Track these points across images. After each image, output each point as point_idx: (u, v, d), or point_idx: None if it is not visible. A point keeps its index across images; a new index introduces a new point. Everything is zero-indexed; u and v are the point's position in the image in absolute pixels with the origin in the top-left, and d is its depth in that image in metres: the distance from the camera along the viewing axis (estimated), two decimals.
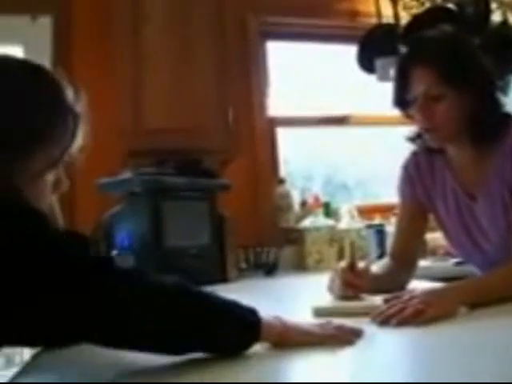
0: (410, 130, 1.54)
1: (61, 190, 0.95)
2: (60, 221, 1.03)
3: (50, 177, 0.92)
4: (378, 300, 1.33)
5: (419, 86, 1.38)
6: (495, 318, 1.09)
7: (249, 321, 0.86)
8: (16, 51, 2.38)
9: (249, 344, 0.86)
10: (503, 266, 1.30)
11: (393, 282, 1.55)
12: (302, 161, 3.10)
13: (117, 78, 2.25)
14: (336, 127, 3.06)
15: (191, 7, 2.32)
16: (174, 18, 2.31)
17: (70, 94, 0.91)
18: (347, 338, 0.94)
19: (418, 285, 1.59)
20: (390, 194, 3.04)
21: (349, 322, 1.02)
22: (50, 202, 0.95)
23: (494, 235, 1.42)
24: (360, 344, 0.94)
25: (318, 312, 1.24)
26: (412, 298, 1.13)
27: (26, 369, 0.96)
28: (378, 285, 1.50)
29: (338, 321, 1.01)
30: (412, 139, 1.56)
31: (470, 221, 1.47)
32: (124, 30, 2.28)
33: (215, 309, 0.84)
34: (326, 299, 1.38)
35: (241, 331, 0.85)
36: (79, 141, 0.93)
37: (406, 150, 1.63)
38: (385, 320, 1.08)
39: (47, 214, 0.86)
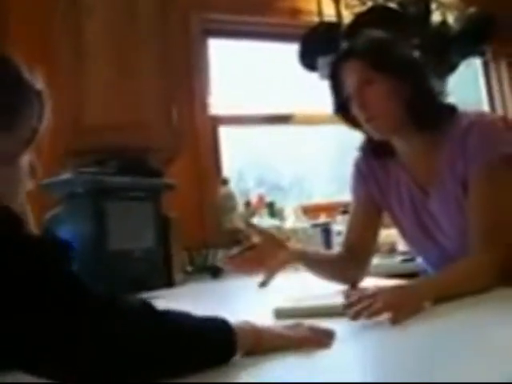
0: (360, 140, 1.56)
1: (37, 176, 0.89)
2: (30, 219, 0.97)
3: (24, 162, 0.86)
4: (339, 299, 1.31)
5: (350, 80, 1.40)
6: (459, 312, 1.08)
7: (224, 336, 0.82)
8: None
9: (228, 358, 0.82)
10: (464, 260, 1.29)
11: (344, 272, 1.55)
12: (235, 161, 3.04)
13: (55, 73, 2.13)
14: (275, 127, 3.04)
15: (134, 2, 2.25)
16: (116, 13, 2.24)
17: (27, 72, 0.86)
18: (322, 340, 0.90)
19: (369, 282, 1.59)
20: (326, 193, 3.11)
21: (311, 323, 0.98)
22: (28, 189, 0.88)
23: (450, 231, 1.42)
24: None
25: (279, 313, 1.20)
26: (377, 294, 1.10)
27: None
28: (328, 268, 1.55)
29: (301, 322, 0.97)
30: (362, 148, 1.57)
31: (425, 217, 1.47)
32: (65, 23, 2.18)
33: (193, 331, 0.79)
34: (286, 300, 1.34)
35: (219, 348, 0.81)
36: (46, 120, 0.88)
37: (344, 148, 1.64)
38: (356, 315, 1.04)
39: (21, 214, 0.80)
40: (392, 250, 2.59)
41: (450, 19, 2.69)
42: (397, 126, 1.41)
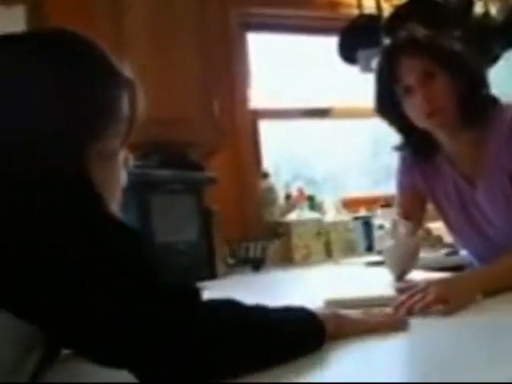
0: (397, 139, 1.56)
1: (129, 167, 0.90)
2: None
3: (120, 156, 0.86)
4: (388, 290, 1.31)
5: (412, 72, 1.39)
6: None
7: (314, 323, 0.84)
8: None
9: (320, 345, 0.84)
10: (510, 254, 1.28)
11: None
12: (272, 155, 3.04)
13: None
14: (318, 119, 3.03)
15: None
16: (155, 8, 2.25)
17: (117, 62, 0.85)
18: (397, 324, 0.93)
19: (415, 275, 1.59)
20: (360, 187, 3.09)
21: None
22: (124, 183, 0.88)
23: (498, 221, 1.41)
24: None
25: (330, 304, 1.21)
26: (429, 287, 1.11)
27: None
28: None
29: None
30: (398, 148, 1.56)
31: (472, 209, 1.47)
32: (104, 20, 2.20)
33: (284, 322, 0.81)
34: (335, 292, 1.34)
35: (311, 335, 0.83)
36: (139, 112, 0.88)
37: (379, 143, 1.63)
38: (409, 309, 1.05)
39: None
40: (440, 243, 2.56)
41: (493, 10, 2.65)
42: (452, 121, 1.40)
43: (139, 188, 1.97)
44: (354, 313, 0.96)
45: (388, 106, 1.47)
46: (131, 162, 0.91)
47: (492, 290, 1.14)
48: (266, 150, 2.89)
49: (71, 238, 0.67)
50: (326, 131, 3.11)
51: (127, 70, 0.86)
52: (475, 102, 1.39)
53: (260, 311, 0.80)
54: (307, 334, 0.83)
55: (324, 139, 3.11)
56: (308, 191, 2.76)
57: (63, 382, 0.74)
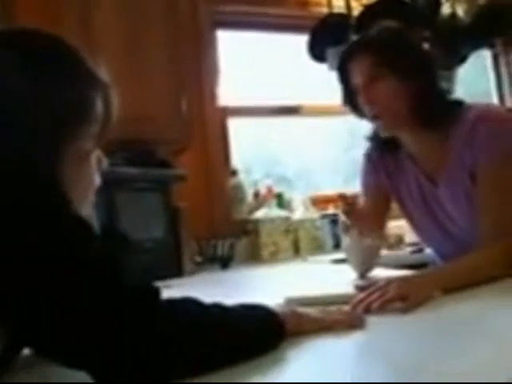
0: (369, 129, 1.57)
1: (102, 168, 0.90)
2: (91, 215, 0.96)
3: (94, 157, 0.86)
4: (350, 288, 1.32)
5: (359, 73, 1.42)
6: (468, 302, 1.08)
7: (272, 321, 0.85)
8: None
9: (278, 341, 0.85)
10: (473, 251, 1.30)
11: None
12: (242, 152, 3.04)
13: None
14: (283, 119, 3.04)
15: None
16: (124, 5, 2.24)
17: (93, 64, 0.86)
18: (353, 322, 0.94)
19: (380, 273, 1.60)
20: (332, 185, 3.11)
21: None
22: (97, 184, 0.89)
23: (460, 220, 1.43)
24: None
25: (290, 302, 1.21)
26: (389, 284, 1.12)
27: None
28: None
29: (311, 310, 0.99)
30: (370, 138, 1.57)
31: (435, 206, 1.49)
32: (73, 18, 2.18)
33: (243, 320, 0.81)
34: (299, 289, 1.35)
35: (269, 333, 0.84)
36: (113, 113, 0.88)
37: (350, 140, 1.65)
38: (367, 307, 1.06)
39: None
40: (400, 242, 2.60)
41: (460, 11, 2.68)
42: (402, 124, 1.42)
43: (106, 186, 1.94)
44: (311, 311, 0.97)
45: (350, 101, 1.49)
46: (105, 163, 0.91)
47: (452, 288, 1.16)
48: (237, 147, 2.89)
49: (31, 235, 0.67)
50: (297, 128, 3.12)
51: (102, 73, 0.87)
52: (430, 104, 1.39)
53: (219, 309, 0.80)
54: (266, 331, 0.83)
55: (295, 136, 3.12)
56: (279, 188, 2.77)
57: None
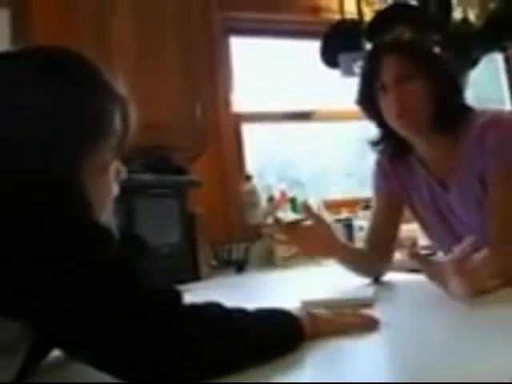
0: (373, 134, 1.59)
1: (120, 179, 0.94)
2: (112, 222, 0.99)
3: (112, 168, 0.90)
4: (365, 293, 1.35)
5: (390, 71, 1.44)
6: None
7: (293, 325, 0.89)
8: None
9: (298, 344, 0.88)
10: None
11: (366, 266, 1.60)
12: (256, 157, 3.07)
13: None
14: (297, 124, 3.07)
15: (156, 2, 2.28)
16: (139, 12, 2.28)
17: (111, 78, 0.89)
18: (368, 323, 0.97)
19: (392, 276, 1.63)
20: (345, 189, 3.14)
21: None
22: (115, 194, 0.93)
23: (470, 224, 1.45)
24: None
25: (306, 306, 1.24)
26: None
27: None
28: (354, 260, 1.57)
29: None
30: (374, 143, 1.60)
31: (445, 211, 1.51)
32: (87, 25, 2.22)
33: (264, 323, 0.85)
34: (314, 293, 1.38)
35: (290, 336, 0.87)
36: (132, 127, 0.92)
37: (363, 145, 1.66)
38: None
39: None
40: (414, 245, 2.60)
41: (472, 16, 2.70)
42: (423, 125, 1.44)
43: (123, 192, 1.99)
44: (327, 313, 1.00)
45: (367, 100, 1.52)
46: (123, 173, 0.95)
47: None
48: (251, 152, 2.93)
49: (54, 239, 0.70)
50: (312, 133, 3.14)
51: (120, 87, 0.90)
52: (450, 109, 1.43)
53: (241, 314, 0.83)
54: (286, 335, 0.86)
55: (309, 141, 3.15)
56: (293, 193, 2.80)
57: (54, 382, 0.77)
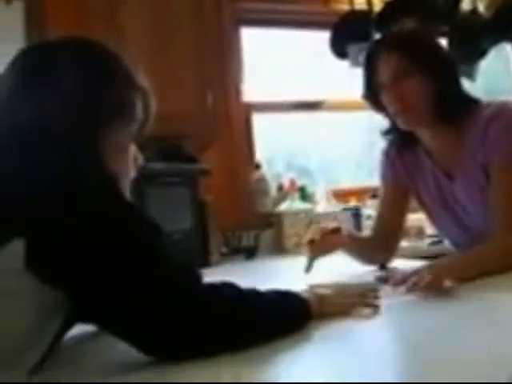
0: (384, 124, 1.62)
1: (138, 164, 1.03)
2: None
3: (131, 152, 0.99)
4: (369, 278, 1.40)
5: (387, 69, 1.47)
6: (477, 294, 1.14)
7: (301, 305, 0.95)
8: None
9: (305, 322, 0.95)
10: (487, 242, 1.37)
11: (374, 254, 1.64)
12: (265, 146, 3.11)
13: None
14: (310, 112, 3.10)
15: None
16: (151, 3, 2.31)
17: (135, 71, 0.98)
18: (369, 303, 1.04)
19: (398, 263, 1.67)
20: (354, 178, 3.17)
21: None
22: (132, 176, 1.01)
23: (475, 213, 1.49)
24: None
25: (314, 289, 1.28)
26: (419, 272, 1.19)
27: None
28: (361, 251, 1.63)
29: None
30: (385, 133, 1.63)
31: (451, 200, 1.55)
32: (100, 12, 2.26)
33: (276, 302, 0.91)
34: (321, 278, 1.43)
35: (298, 315, 0.94)
36: (151, 117, 1.00)
37: (372, 134, 1.69)
38: (410, 287, 1.13)
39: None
40: (420, 233, 2.65)
41: (481, 7, 2.71)
42: (424, 120, 1.48)
43: (135, 180, 2.04)
44: (331, 293, 1.06)
45: (371, 95, 1.55)
46: (141, 159, 1.04)
47: (464, 278, 1.22)
48: (261, 140, 2.97)
49: (97, 221, 0.77)
50: (321, 123, 3.18)
51: (145, 82, 0.99)
52: (450, 102, 1.45)
53: (254, 294, 0.89)
54: (295, 315, 0.93)
55: (319, 130, 3.18)
56: (302, 181, 2.84)
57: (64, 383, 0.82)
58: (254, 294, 0.89)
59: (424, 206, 1.66)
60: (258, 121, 2.98)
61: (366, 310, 1.02)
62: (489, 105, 1.47)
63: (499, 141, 1.39)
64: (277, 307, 0.90)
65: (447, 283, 1.14)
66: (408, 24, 1.59)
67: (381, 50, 1.49)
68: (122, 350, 0.83)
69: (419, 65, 1.44)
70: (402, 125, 1.51)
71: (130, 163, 0.99)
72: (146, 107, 0.99)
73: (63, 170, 0.78)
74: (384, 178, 1.70)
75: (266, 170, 2.80)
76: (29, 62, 0.93)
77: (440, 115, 1.46)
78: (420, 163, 1.60)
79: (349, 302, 1.04)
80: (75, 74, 0.90)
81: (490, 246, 1.35)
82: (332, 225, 1.59)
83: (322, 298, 1.01)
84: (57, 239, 0.75)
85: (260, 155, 2.93)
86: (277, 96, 3.02)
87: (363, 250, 1.65)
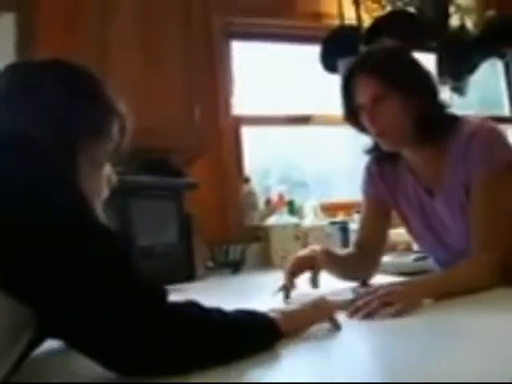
0: (366, 143, 1.63)
1: (111, 184, 1.06)
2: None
3: (105, 171, 1.02)
4: (348, 295, 1.39)
5: (364, 93, 1.46)
6: (457, 309, 1.14)
7: (268, 326, 0.94)
8: None
9: (274, 342, 0.94)
10: (464, 261, 1.36)
11: (355, 270, 1.63)
12: (259, 158, 3.11)
13: None
14: (299, 126, 3.10)
15: (158, 6, 2.33)
16: (140, 16, 2.31)
17: (116, 100, 1.04)
18: (331, 315, 1.05)
19: (381, 279, 1.66)
20: (349, 193, 3.16)
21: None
22: (104, 196, 1.03)
23: (455, 231, 1.49)
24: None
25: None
26: (377, 291, 1.18)
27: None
28: (341, 268, 1.62)
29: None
30: (368, 151, 1.63)
31: (432, 218, 1.54)
32: (90, 28, 2.26)
33: (242, 323, 0.90)
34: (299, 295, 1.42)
35: (266, 336, 0.93)
36: (126, 139, 1.06)
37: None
38: (353, 312, 1.13)
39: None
40: (408, 249, 2.64)
41: (469, 23, 2.73)
42: (405, 140, 1.47)
43: (119, 193, 2.04)
44: (295, 309, 1.07)
45: (351, 116, 1.55)
46: (114, 180, 1.07)
47: (443, 296, 1.22)
48: (253, 153, 2.97)
49: (62, 234, 0.77)
50: (315, 135, 3.17)
51: (122, 106, 1.05)
52: (430, 122, 1.45)
53: (219, 313, 0.88)
54: (263, 332, 0.92)
55: (312, 143, 3.18)
56: (296, 194, 2.84)
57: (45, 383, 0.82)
58: (218, 313, 0.88)
59: (406, 222, 1.66)
60: (253, 131, 2.99)
61: (327, 325, 1.03)
62: (468, 121, 1.47)
63: (480, 157, 1.39)
64: (243, 326, 0.89)
65: (425, 301, 1.13)
66: (387, 43, 1.57)
67: (358, 72, 1.47)
68: (87, 366, 0.82)
69: (398, 86, 1.43)
70: (383, 146, 1.51)
71: (102, 181, 1.02)
72: (123, 130, 1.04)
73: (26, 171, 0.80)
74: (365, 193, 1.70)
75: (257, 183, 2.80)
76: (17, 78, 0.96)
77: (421, 135, 1.46)
78: (402, 179, 1.60)
79: (313, 317, 1.04)
80: (59, 94, 0.94)
81: (466, 264, 1.35)
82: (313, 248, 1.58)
83: (288, 316, 1.00)
84: (17, 245, 0.75)
85: (255, 168, 2.92)
86: (266, 110, 3.02)
87: (344, 266, 1.64)
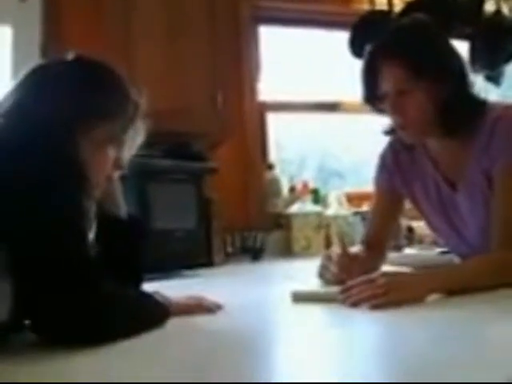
0: (385, 123, 1.53)
1: (120, 169, 1.12)
2: (122, 206, 1.19)
3: (111, 153, 1.07)
4: None
5: (389, 82, 1.37)
6: (465, 306, 1.09)
7: (163, 307, 1.05)
8: (5, 32, 2.37)
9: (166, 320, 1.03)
10: (478, 256, 1.31)
11: (362, 267, 1.57)
12: (295, 147, 3.09)
13: (106, 58, 2.23)
14: (327, 114, 3.05)
15: None
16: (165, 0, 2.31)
17: (130, 86, 1.09)
18: (210, 307, 1.14)
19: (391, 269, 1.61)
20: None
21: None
22: (108, 174, 1.09)
23: (473, 225, 1.43)
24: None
25: (297, 297, 1.25)
26: (373, 280, 1.14)
27: None
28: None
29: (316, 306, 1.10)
30: (388, 132, 1.56)
31: (451, 210, 1.48)
32: (115, 11, 2.26)
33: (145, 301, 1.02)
34: (309, 284, 1.39)
35: (161, 315, 1.03)
36: (139, 134, 1.11)
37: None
38: (345, 300, 1.11)
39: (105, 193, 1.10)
40: (434, 242, 2.58)
41: (505, 8, 2.63)
42: (428, 132, 1.41)
43: (140, 176, 2.04)
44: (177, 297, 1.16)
45: (372, 99, 1.47)
46: (122, 163, 1.11)
47: (452, 291, 1.16)
48: (290, 141, 2.94)
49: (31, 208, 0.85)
50: (349, 124, 3.13)
51: (138, 95, 1.10)
52: (457, 111, 1.37)
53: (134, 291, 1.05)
54: (159, 312, 1.03)
55: (347, 132, 3.14)
56: (332, 183, 2.81)
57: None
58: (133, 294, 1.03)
59: (423, 213, 1.60)
60: (287, 119, 2.97)
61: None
62: (493, 108, 1.40)
63: (504, 147, 1.33)
64: (148, 305, 1.01)
65: (432, 296, 1.09)
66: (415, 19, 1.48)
67: (382, 56, 1.38)
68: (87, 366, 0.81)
69: (425, 75, 1.34)
70: (405, 138, 1.45)
71: (105, 161, 1.07)
72: (133, 118, 1.09)
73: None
74: (377, 182, 1.64)
75: (281, 171, 2.77)
76: (37, 79, 1.04)
77: (446, 125, 1.38)
78: (419, 167, 1.53)
79: (191, 306, 1.13)
80: (74, 84, 1.02)
81: (486, 259, 1.29)
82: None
83: (171, 304, 1.09)
84: None
85: (291, 154, 2.88)
86: (294, 96, 2.98)
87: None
